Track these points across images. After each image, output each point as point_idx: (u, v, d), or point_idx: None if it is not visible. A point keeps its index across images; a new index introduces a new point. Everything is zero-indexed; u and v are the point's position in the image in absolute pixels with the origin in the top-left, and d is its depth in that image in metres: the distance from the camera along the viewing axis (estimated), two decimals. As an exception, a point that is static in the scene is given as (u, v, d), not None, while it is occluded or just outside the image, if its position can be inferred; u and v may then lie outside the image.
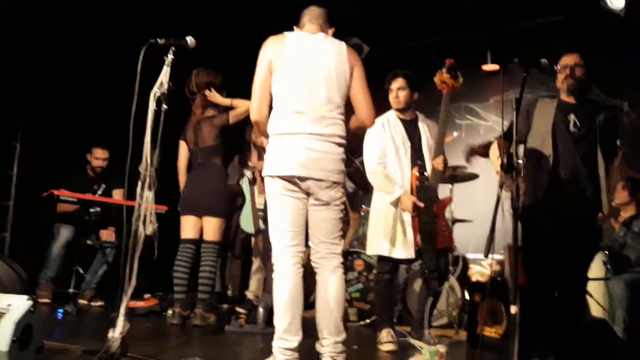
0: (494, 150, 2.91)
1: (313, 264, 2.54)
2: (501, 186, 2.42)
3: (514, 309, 2.24)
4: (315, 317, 2.50)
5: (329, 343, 2.43)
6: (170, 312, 3.93)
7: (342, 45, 2.57)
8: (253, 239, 4.62)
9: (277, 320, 2.40)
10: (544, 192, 2.86)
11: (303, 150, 2.42)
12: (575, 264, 2.84)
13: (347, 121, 2.59)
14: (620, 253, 4.02)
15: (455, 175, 4.44)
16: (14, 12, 4.64)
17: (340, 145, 2.50)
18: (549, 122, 2.90)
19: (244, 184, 4.55)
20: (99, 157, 4.94)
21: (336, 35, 2.68)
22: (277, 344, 2.39)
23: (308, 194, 2.47)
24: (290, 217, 2.46)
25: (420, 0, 5.25)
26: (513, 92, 2.60)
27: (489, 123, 5.80)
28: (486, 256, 2.39)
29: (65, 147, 4.96)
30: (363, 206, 4.96)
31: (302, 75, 2.48)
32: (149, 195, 2.56)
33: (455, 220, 4.55)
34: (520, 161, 2.41)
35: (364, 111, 2.56)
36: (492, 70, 5.74)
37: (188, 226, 3.99)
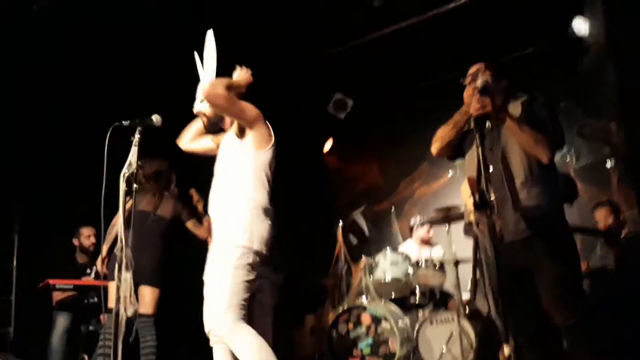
0: (465, 190, 2.85)
1: None
2: (477, 225, 2.37)
3: (506, 350, 2.15)
4: None
5: None
6: None
7: None
8: None
9: None
10: None
11: None
12: None
13: None
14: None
15: (449, 217, 4.37)
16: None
17: None
18: None
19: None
20: (89, 234, 4.88)
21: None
22: None
23: None
24: None
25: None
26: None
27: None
28: (473, 300, 2.31)
29: (56, 236, 4.93)
30: (363, 256, 4.90)
31: None
32: (126, 276, 2.54)
33: (457, 262, 4.42)
34: (493, 196, 2.36)
35: None
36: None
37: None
